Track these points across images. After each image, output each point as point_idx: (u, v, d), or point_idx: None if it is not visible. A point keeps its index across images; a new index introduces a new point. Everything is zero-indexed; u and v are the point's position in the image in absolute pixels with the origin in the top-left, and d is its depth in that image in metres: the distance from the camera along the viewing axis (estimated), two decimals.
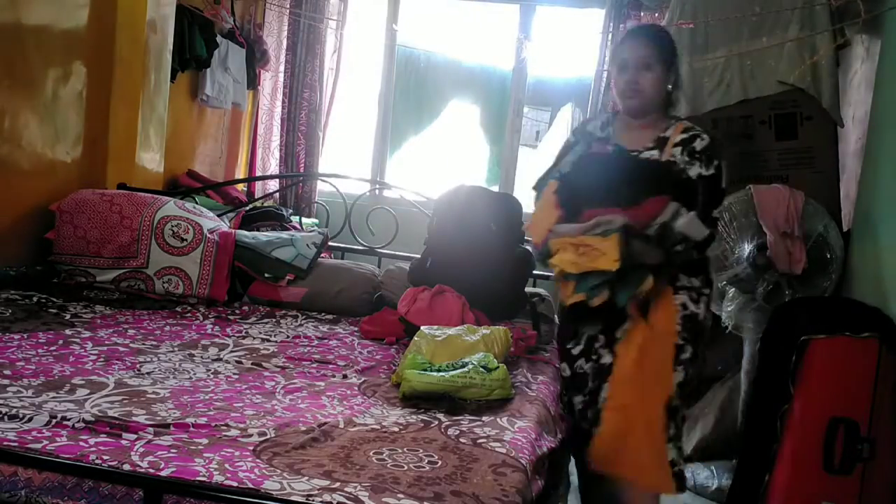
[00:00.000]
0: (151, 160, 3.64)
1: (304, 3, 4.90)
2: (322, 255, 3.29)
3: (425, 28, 5.27)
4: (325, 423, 1.81)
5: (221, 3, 4.46)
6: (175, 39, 3.75)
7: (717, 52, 3.35)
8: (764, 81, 3.32)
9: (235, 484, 1.44)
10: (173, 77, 3.84)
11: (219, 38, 4.36)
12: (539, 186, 2.35)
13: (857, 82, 3.50)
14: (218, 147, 4.86)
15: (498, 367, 2.12)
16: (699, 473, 3.24)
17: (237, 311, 2.92)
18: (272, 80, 5.07)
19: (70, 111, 3.18)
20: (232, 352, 2.40)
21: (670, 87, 2.29)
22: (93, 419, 1.68)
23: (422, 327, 2.46)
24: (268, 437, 1.71)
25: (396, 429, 1.82)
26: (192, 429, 1.71)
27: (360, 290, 3.11)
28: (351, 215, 3.61)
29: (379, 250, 3.58)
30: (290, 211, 4.23)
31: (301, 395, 2.03)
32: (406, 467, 1.58)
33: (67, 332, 2.39)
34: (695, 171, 2.16)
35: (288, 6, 4.95)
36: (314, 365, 2.34)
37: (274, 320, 2.86)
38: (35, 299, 2.71)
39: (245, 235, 3.20)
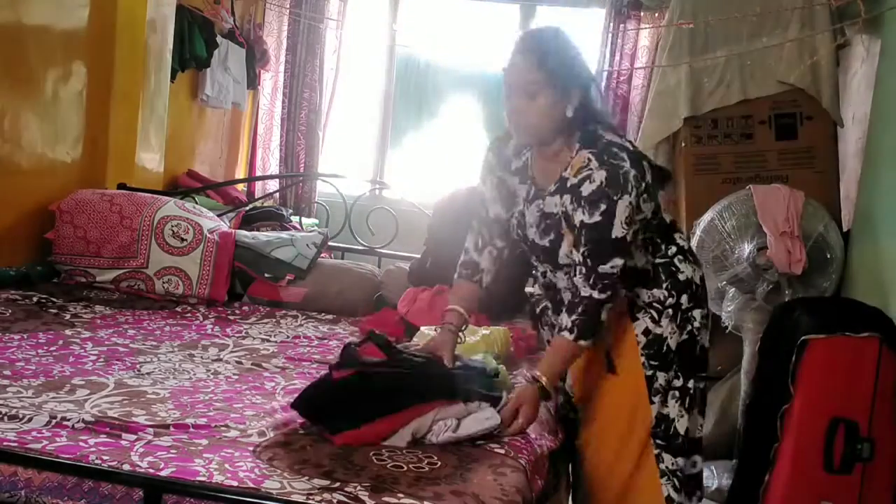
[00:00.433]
0: (151, 160, 3.64)
1: (304, 3, 4.90)
2: (322, 255, 3.29)
3: (425, 28, 5.27)
4: None
5: (221, 3, 4.46)
6: (175, 39, 3.75)
7: (717, 52, 3.35)
8: (764, 81, 3.32)
9: (235, 484, 1.44)
10: (173, 77, 3.85)
11: (219, 38, 4.36)
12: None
13: (857, 82, 3.50)
14: (218, 147, 4.86)
15: (498, 367, 2.12)
16: None
17: (237, 312, 2.92)
18: (272, 80, 5.07)
19: (70, 111, 3.18)
20: (232, 352, 2.39)
21: (569, 110, 1.86)
22: (93, 419, 1.68)
23: (422, 327, 2.46)
24: (268, 437, 1.71)
25: None
26: (191, 429, 1.71)
27: (360, 290, 3.11)
28: (351, 215, 3.61)
29: (379, 250, 3.57)
30: (290, 211, 4.23)
31: None
32: (406, 467, 1.58)
33: (67, 332, 2.39)
34: (577, 217, 1.86)
35: (288, 6, 4.96)
36: (314, 365, 2.33)
37: (274, 320, 2.85)
38: (35, 299, 2.71)
39: (245, 235, 3.20)
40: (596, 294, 1.86)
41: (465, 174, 5.17)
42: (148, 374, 2.08)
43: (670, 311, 1.99)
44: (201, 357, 2.30)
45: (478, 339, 2.34)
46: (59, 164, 3.16)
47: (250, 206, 3.95)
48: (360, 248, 3.63)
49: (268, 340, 2.57)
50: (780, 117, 3.34)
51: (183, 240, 3.02)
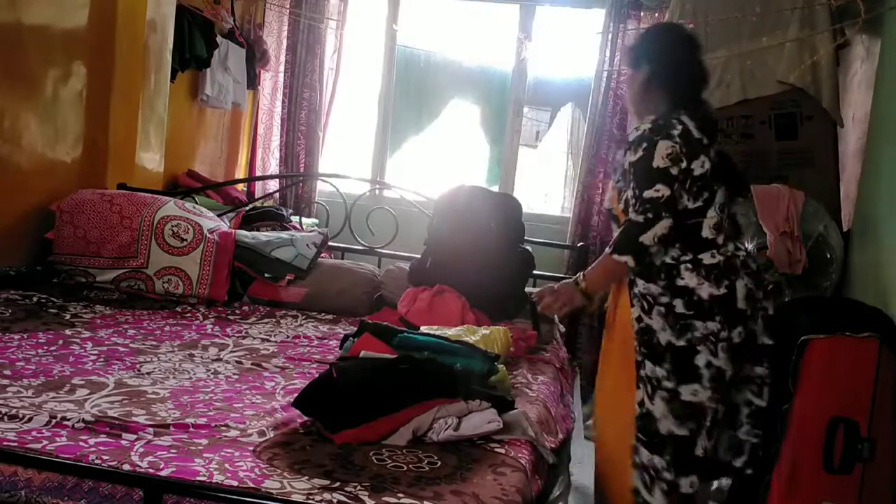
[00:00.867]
0: (151, 160, 3.65)
1: (304, 3, 4.90)
2: (322, 255, 3.29)
3: (425, 28, 5.27)
4: None
5: (221, 3, 4.46)
6: (175, 39, 3.75)
7: (717, 52, 3.34)
8: (764, 81, 3.32)
9: (236, 483, 1.44)
10: (173, 77, 3.84)
11: (219, 38, 4.35)
12: None
13: (857, 82, 3.49)
14: (218, 147, 4.86)
15: (498, 368, 2.12)
16: None
17: (237, 311, 2.92)
18: (272, 80, 5.07)
19: (70, 111, 3.18)
20: (232, 352, 2.40)
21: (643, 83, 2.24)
22: (93, 419, 1.68)
23: (422, 327, 2.46)
24: (268, 436, 1.71)
25: None
26: (191, 429, 1.71)
27: (360, 290, 3.11)
28: (351, 215, 3.61)
29: (379, 250, 3.57)
30: (290, 211, 4.22)
31: None
32: (406, 467, 1.59)
33: (67, 332, 2.39)
34: (627, 160, 2.15)
35: (288, 6, 4.95)
36: (314, 365, 2.34)
37: (274, 320, 2.86)
38: (35, 299, 2.71)
39: (245, 235, 3.20)
40: (635, 216, 2.06)
41: (465, 174, 5.20)
42: (148, 373, 2.08)
43: (662, 308, 2.09)
44: (201, 357, 2.30)
45: (478, 339, 2.34)
46: (59, 164, 3.17)
47: (250, 206, 3.95)
48: (360, 248, 3.62)
49: (268, 340, 2.58)
50: (780, 117, 3.34)
51: (183, 240, 3.02)
